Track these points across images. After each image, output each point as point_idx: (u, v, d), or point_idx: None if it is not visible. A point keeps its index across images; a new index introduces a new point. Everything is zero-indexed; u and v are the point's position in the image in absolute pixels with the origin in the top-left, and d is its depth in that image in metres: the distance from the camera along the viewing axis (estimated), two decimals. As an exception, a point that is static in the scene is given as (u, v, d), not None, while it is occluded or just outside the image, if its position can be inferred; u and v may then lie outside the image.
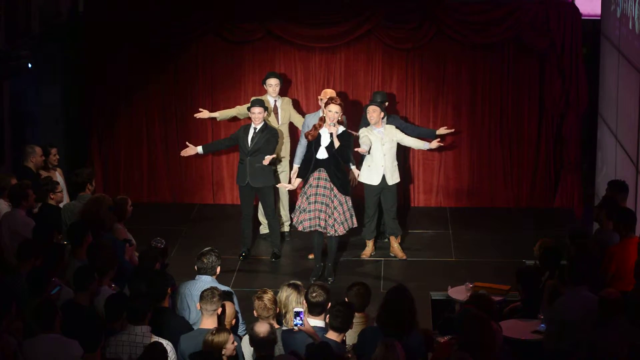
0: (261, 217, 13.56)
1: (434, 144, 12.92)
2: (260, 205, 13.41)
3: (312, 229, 12.18)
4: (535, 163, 14.69)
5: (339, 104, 12.09)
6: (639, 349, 7.59)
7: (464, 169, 14.81)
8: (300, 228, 12.27)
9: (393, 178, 12.81)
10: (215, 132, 14.81)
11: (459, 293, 10.79)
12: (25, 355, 7.83)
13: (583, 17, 14.24)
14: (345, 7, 14.34)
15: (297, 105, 14.17)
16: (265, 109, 12.80)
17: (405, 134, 12.94)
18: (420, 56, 14.58)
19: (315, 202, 12.06)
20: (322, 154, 12.10)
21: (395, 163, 12.84)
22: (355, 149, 12.44)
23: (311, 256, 12.69)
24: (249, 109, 12.76)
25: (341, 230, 12.15)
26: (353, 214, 12.24)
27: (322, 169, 12.11)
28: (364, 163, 12.80)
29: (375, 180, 12.75)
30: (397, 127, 12.92)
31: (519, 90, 14.55)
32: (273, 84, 13.22)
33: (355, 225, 12.33)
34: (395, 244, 13.08)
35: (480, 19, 14.27)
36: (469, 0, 14.34)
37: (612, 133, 12.99)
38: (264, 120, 12.69)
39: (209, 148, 13.33)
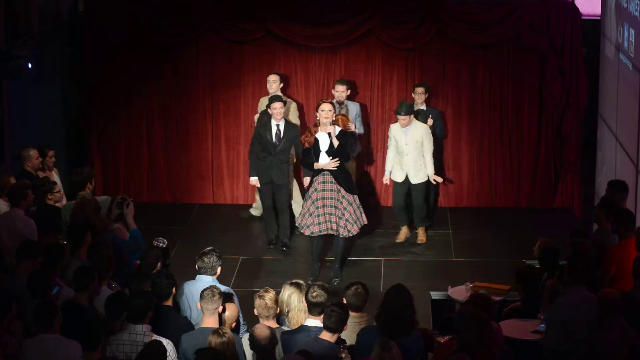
0: (295, 205, 13.74)
1: (436, 178, 13.34)
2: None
3: (323, 233, 12.17)
4: (535, 163, 14.70)
5: (331, 102, 12.17)
6: (638, 349, 7.59)
7: (464, 169, 14.82)
8: (307, 232, 12.25)
9: (417, 177, 13.17)
10: (215, 132, 14.82)
11: (459, 293, 10.79)
12: (25, 355, 7.84)
13: (583, 17, 14.24)
14: (345, 7, 14.34)
15: (298, 108, 14.25)
16: (284, 102, 12.92)
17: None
18: (420, 56, 14.59)
19: (323, 205, 12.06)
20: (323, 159, 12.09)
21: (421, 163, 13.15)
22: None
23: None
24: (268, 106, 12.87)
25: (355, 230, 12.19)
26: (362, 211, 12.28)
27: (325, 172, 12.10)
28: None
29: (399, 178, 13.25)
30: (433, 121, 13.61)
31: (519, 90, 14.56)
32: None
33: (366, 222, 12.37)
34: (421, 230, 13.57)
35: (480, 19, 14.27)
36: (469, 0, 14.34)
37: (612, 133, 12.99)
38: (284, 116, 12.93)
39: (255, 169, 13.16)
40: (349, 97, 13.81)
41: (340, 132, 12.15)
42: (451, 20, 14.25)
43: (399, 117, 13.09)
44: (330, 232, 12.16)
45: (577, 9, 14.21)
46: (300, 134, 12.68)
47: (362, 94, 14.59)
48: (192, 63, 14.77)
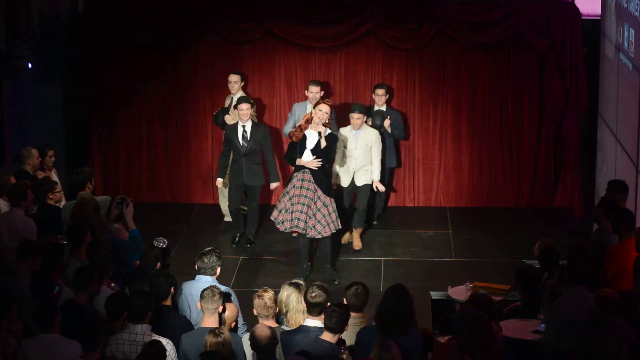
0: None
1: (378, 185, 13.13)
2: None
3: (292, 230, 12.20)
4: (535, 163, 14.70)
5: (330, 105, 12.15)
6: (638, 349, 7.59)
7: (464, 169, 14.81)
8: (281, 228, 12.31)
9: (362, 179, 13.06)
10: (215, 132, 14.81)
11: (459, 293, 10.78)
12: (25, 355, 7.84)
13: (583, 17, 14.24)
14: (345, 6, 14.35)
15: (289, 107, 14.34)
16: (252, 105, 12.87)
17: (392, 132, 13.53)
18: (420, 56, 14.58)
19: (297, 203, 12.05)
20: (307, 156, 12.09)
21: (368, 168, 13.04)
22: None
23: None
24: (235, 106, 12.83)
25: (325, 232, 12.13)
26: (337, 215, 12.24)
27: (306, 170, 12.09)
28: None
29: (345, 182, 13.09)
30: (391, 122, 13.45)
31: (519, 90, 14.56)
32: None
33: (340, 227, 12.35)
34: (355, 234, 13.31)
35: (480, 19, 14.27)
36: (469, 0, 14.34)
37: (612, 133, 12.99)
38: (251, 117, 12.84)
39: (222, 172, 13.21)
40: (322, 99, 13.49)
41: (329, 134, 12.14)
42: (451, 20, 14.25)
43: (353, 115, 12.92)
44: (297, 229, 12.17)
45: (577, 9, 14.21)
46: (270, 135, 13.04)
47: (362, 94, 14.57)
48: (192, 63, 14.77)
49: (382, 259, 13.07)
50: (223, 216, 14.10)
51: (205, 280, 9.00)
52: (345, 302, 8.34)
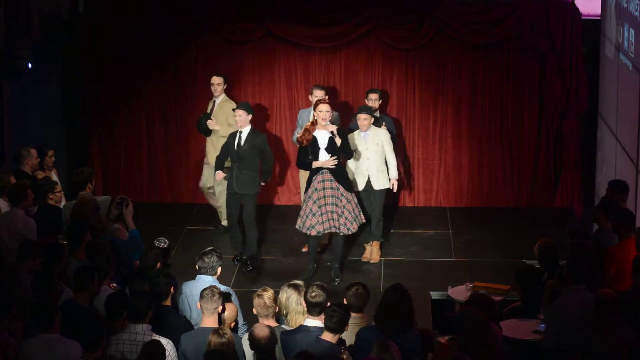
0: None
1: (394, 182, 12.79)
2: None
3: (327, 231, 12.19)
4: (535, 163, 14.70)
5: (328, 103, 12.15)
6: (638, 349, 7.59)
7: (464, 169, 14.81)
8: (314, 233, 12.19)
9: (379, 182, 12.76)
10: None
11: (459, 293, 10.79)
12: (25, 355, 7.85)
13: (583, 17, 14.24)
14: (345, 6, 14.35)
15: (294, 105, 14.25)
16: (251, 112, 12.65)
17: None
18: (420, 56, 14.59)
19: (325, 204, 12.06)
20: (323, 156, 12.09)
21: (383, 168, 12.77)
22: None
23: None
24: (234, 110, 12.70)
25: (354, 228, 12.22)
26: (360, 209, 12.29)
27: (324, 170, 12.10)
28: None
29: (360, 186, 12.75)
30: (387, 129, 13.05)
31: (519, 90, 14.56)
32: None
33: (364, 220, 12.39)
34: (375, 247, 13.00)
35: (480, 19, 14.27)
36: (469, 0, 14.35)
37: (612, 133, 12.99)
38: (250, 123, 12.57)
39: (220, 167, 12.77)
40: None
41: (338, 130, 12.16)
42: (451, 20, 14.25)
43: (360, 116, 12.59)
44: (333, 229, 12.17)
45: (577, 9, 14.22)
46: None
47: (362, 94, 14.54)
48: (192, 63, 14.78)
49: (382, 259, 13.07)
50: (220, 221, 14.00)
51: (205, 280, 9.00)
52: (345, 302, 8.35)
